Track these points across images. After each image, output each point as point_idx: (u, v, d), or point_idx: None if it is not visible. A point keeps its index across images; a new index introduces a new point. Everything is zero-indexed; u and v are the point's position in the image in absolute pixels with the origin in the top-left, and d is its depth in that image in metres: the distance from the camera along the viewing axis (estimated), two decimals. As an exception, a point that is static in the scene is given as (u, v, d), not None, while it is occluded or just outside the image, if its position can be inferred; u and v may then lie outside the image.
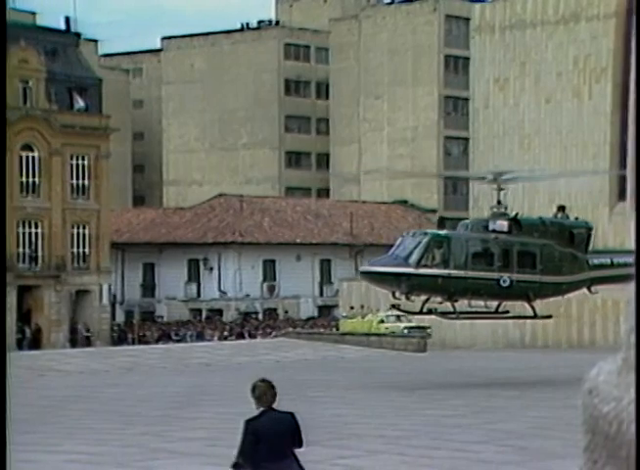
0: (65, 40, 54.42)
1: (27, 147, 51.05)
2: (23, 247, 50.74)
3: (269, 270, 59.80)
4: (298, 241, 60.92)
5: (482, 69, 49.34)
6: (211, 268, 58.89)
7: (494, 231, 24.64)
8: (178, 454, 14.76)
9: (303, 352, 36.64)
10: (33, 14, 55.83)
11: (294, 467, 8.15)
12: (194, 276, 59.39)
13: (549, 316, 27.23)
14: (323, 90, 79.70)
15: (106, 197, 54.38)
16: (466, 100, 62.64)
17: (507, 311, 26.54)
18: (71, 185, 52.63)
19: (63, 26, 56.32)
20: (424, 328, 42.32)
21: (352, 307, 47.55)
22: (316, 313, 59.41)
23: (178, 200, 74.98)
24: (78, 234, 52.94)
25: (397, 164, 73.88)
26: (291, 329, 47.65)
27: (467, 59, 61.47)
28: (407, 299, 24.87)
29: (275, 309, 59.24)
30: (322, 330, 48.04)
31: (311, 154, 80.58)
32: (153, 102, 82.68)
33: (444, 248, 24.03)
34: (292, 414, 8.22)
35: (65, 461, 13.42)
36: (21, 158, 50.67)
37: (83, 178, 53.20)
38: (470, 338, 41.03)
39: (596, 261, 25.91)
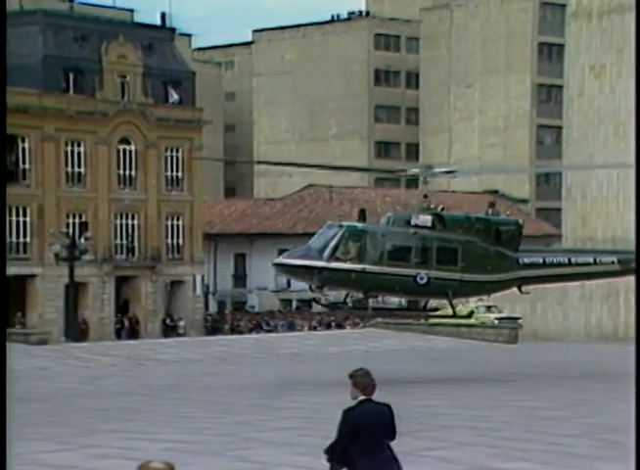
0: (160, 35, 55.51)
1: (125, 140, 52.18)
2: (121, 238, 51.89)
3: (359, 261, 59.90)
4: (388, 231, 60.80)
5: (578, 56, 48.46)
6: (302, 258, 59.26)
7: (417, 226, 23.46)
8: (271, 444, 14.89)
9: (392, 342, 36.66)
10: (131, 11, 57.32)
11: (389, 458, 8.15)
12: (284, 266, 59.84)
13: (469, 316, 26.47)
14: (413, 80, 79.47)
15: (199, 188, 55.29)
16: (559, 88, 61.67)
17: (436, 309, 25.68)
18: (166, 177, 53.63)
19: (159, 22, 57.63)
20: (515, 319, 41.93)
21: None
22: (405, 304, 59.28)
23: (268, 191, 75.63)
24: (173, 225, 53.94)
25: (488, 153, 73.24)
26: (380, 319, 47.65)
27: (561, 46, 60.52)
28: (313, 291, 24.36)
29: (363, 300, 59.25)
30: (411, 321, 47.91)
31: (401, 144, 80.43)
32: (244, 94, 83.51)
33: (359, 241, 22.99)
34: (389, 406, 8.16)
35: (162, 449, 13.66)
36: (118, 151, 51.84)
37: (177, 170, 54.16)
38: (562, 329, 40.53)
39: (527, 260, 24.45)
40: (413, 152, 78.53)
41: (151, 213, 52.71)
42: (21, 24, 51.21)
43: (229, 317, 54.20)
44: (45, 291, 48.68)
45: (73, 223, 49.53)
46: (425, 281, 23.19)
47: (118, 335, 49.67)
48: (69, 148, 50.41)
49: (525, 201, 70.55)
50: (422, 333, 39.41)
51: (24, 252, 48.67)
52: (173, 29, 57.73)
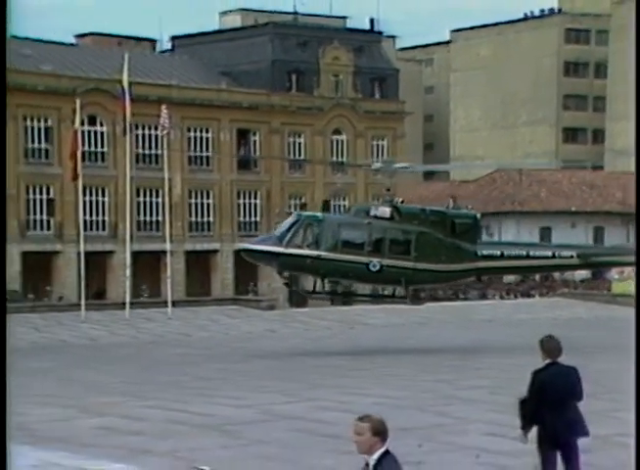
0: (369, 38, 56.27)
1: (337, 131, 53.30)
2: (337, 218, 53.07)
3: (546, 237, 58.64)
4: (573, 209, 59.32)
5: None
6: (492, 235, 58.79)
7: (375, 217, 22.53)
8: (466, 401, 14.96)
9: (578, 311, 35.78)
10: (344, 18, 58.44)
11: (576, 418, 8.06)
12: (477, 241, 59.48)
13: (421, 303, 25.02)
14: (601, 70, 76.62)
15: (401, 172, 55.61)
16: None
17: (403, 297, 23.70)
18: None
19: (368, 27, 58.41)
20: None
21: (623, 271, 45.69)
22: (590, 276, 57.58)
23: (463, 173, 75.02)
24: (378, 206, 54.73)
25: (672, 137, 69.56)
26: (566, 290, 46.54)
27: None
28: (281, 276, 23.54)
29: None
30: (595, 291, 46.58)
31: (587, 130, 77.75)
32: (442, 87, 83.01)
33: (316, 229, 22.29)
34: (574, 368, 8.08)
35: (373, 404, 13.97)
36: (332, 141, 53.03)
37: (382, 157, 54.68)
38: None
39: (485, 252, 23.10)
40: (599, 137, 75.76)
41: (360, 196, 53.57)
42: (255, 36, 53.46)
43: (427, 286, 54.30)
44: (272, 263, 50.39)
45: (295, 205, 51.00)
46: (377, 268, 22.27)
47: (333, 301, 50.76)
48: (292, 139, 51.97)
49: None
50: (605, 303, 38.27)
51: (255, 229, 50.62)
52: (380, 33, 58.35)
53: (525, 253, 23.79)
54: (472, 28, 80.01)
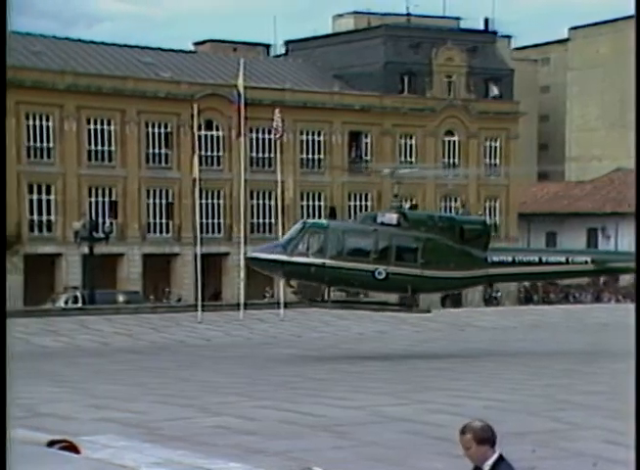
0: (483, 39, 55.72)
1: (449, 132, 52.92)
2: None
3: (666, 239, 56.71)
4: (696, 211, 57.00)
5: None
6: (609, 237, 57.19)
7: (382, 224, 21.86)
8: (581, 406, 14.65)
9: (698, 316, 34.32)
10: (458, 19, 58.09)
11: None
12: (592, 243, 58.03)
13: (427, 311, 23.71)
14: None
15: (514, 173, 54.91)
16: None
17: (408, 305, 23.19)
18: (485, 164, 53.82)
19: (482, 27, 57.78)
20: None
21: None
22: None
23: (579, 174, 73.27)
24: (490, 207, 54.18)
25: None
26: (687, 294, 44.79)
27: None
28: (288, 285, 22.90)
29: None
30: None
31: None
32: (558, 87, 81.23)
33: (321, 237, 21.64)
34: None
35: (483, 407, 13.86)
36: (443, 142, 52.72)
37: (494, 158, 54.06)
38: None
39: (496, 259, 22.27)
40: None
41: (472, 196, 53.06)
42: (368, 38, 53.75)
43: (540, 289, 53.35)
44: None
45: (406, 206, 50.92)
46: (383, 276, 21.79)
47: (443, 304, 50.52)
48: (403, 141, 51.88)
49: None
50: None
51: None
52: (495, 33, 57.66)
53: (537, 259, 23.24)
54: (591, 25, 78.05)
